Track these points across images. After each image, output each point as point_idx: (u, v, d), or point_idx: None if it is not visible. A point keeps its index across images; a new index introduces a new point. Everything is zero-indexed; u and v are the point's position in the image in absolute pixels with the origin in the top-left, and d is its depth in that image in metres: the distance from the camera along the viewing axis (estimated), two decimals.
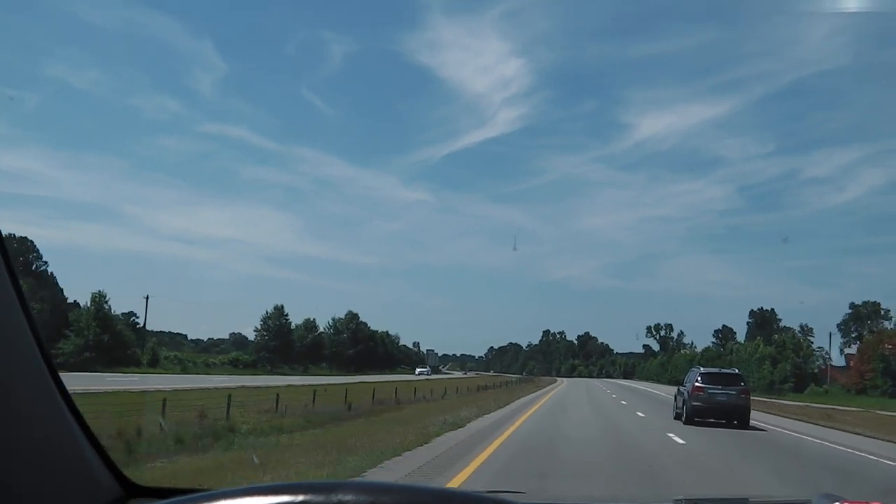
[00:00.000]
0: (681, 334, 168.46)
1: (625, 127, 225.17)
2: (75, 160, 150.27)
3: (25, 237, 70.81)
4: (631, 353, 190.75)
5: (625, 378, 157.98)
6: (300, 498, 0.99)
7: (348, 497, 0.97)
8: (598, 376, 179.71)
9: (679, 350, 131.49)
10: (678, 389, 26.89)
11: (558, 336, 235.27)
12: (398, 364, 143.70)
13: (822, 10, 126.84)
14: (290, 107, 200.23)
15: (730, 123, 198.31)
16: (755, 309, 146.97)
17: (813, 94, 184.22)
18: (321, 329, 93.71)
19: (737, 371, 28.33)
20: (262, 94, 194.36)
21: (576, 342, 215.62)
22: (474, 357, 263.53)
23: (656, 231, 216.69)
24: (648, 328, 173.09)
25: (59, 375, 1.52)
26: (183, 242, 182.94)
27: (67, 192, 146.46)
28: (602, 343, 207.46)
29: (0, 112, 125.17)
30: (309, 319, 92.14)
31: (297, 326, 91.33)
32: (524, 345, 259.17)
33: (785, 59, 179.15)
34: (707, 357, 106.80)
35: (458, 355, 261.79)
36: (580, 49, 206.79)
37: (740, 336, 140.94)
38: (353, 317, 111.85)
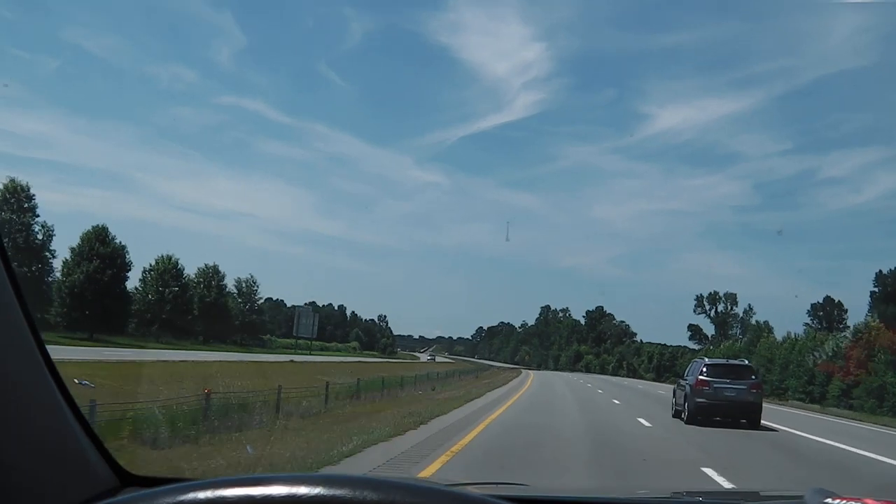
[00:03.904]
0: (749, 310, 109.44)
1: (642, 118, 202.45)
2: (89, 126, 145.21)
3: None
4: (653, 342, 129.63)
5: (657, 378, 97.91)
6: (295, 489, 0.94)
7: (329, 491, 0.92)
8: (613, 372, 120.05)
9: (766, 335, 72.14)
10: (678, 383, 24.74)
11: (560, 314, 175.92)
12: (260, 335, 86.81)
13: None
14: (306, 82, 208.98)
15: (748, 119, 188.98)
16: (883, 271, 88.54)
17: (833, 94, 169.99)
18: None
19: (747, 362, 25.21)
20: (279, 68, 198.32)
21: (583, 321, 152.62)
22: (469, 339, 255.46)
23: (669, 224, 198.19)
24: (698, 298, 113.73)
25: (55, 366, 1.51)
26: (193, 213, 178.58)
27: (79, 157, 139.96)
28: (621, 324, 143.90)
29: (16, 75, 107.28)
30: None
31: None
32: (517, 325, 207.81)
33: (806, 56, 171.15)
34: (872, 344, 47.52)
35: (455, 338, 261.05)
36: (601, 37, 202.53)
37: (854, 314, 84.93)
38: (99, 232, 55.01)
